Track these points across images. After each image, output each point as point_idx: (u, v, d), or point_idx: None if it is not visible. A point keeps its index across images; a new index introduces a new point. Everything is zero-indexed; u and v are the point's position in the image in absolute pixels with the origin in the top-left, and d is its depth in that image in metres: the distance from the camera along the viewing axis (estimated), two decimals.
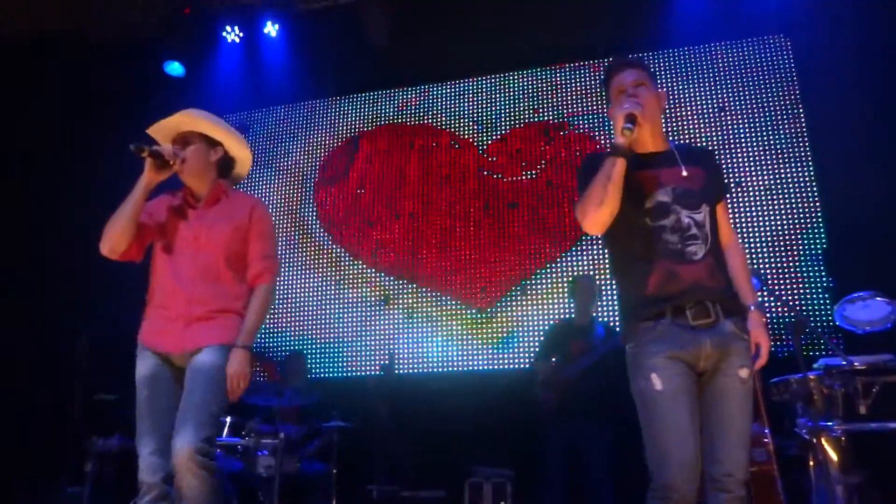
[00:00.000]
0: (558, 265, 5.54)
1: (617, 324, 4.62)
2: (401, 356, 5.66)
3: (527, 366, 5.14)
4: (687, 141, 5.40)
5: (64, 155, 6.23)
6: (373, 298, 5.91)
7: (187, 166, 2.62)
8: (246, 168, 2.85)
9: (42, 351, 5.36)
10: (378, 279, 5.95)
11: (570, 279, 5.03)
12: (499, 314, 5.59)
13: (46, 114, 6.17)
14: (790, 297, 4.91)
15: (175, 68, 6.24)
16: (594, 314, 4.60)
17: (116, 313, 4.65)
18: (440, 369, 5.58)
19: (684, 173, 2.17)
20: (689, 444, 1.96)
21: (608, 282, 5.01)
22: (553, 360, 4.40)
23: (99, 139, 6.27)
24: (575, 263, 5.49)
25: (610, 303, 5.05)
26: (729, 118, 5.46)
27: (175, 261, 2.58)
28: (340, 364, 5.79)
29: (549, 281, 5.54)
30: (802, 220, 5.06)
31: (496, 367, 5.47)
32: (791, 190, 5.15)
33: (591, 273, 5.35)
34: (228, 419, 4.23)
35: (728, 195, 2.38)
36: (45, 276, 5.86)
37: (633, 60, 2.31)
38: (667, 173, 2.18)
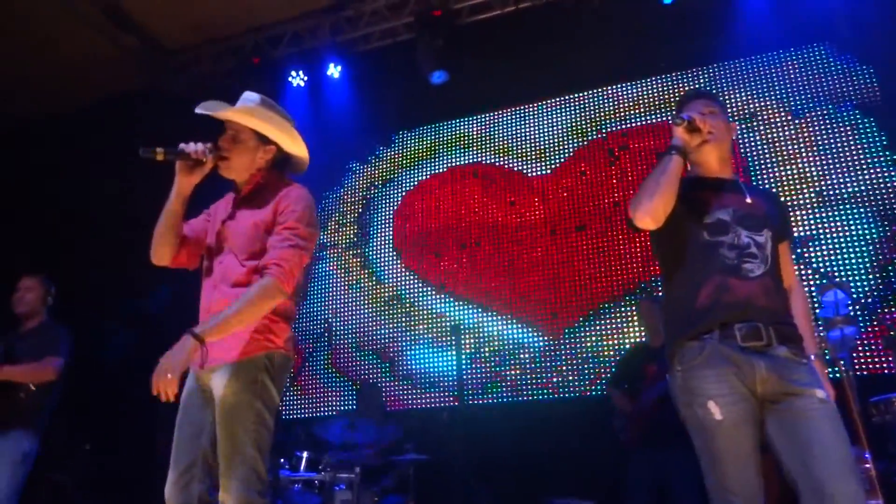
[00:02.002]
0: (633, 287, 5.39)
1: None
2: (473, 386, 5.61)
3: (602, 392, 5.00)
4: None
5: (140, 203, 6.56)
6: (444, 329, 5.90)
7: (230, 164, 2.32)
8: (303, 165, 2.48)
9: None
10: (449, 309, 5.95)
11: (636, 302, 4.88)
12: (572, 340, 5.46)
13: (125, 171, 6.54)
14: (888, 311, 4.60)
15: None
16: None
17: None
18: (514, 398, 5.49)
19: (748, 200, 2.15)
20: (752, 478, 1.90)
21: None
22: (626, 385, 4.24)
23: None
24: (651, 285, 5.32)
25: None
26: (807, 124, 5.23)
27: (207, 263, 2.34)
28: (413, 395, 5.78)
29: (624, 304, 5.39)
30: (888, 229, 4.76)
31: (571, 394, 5.33)
32: (884, 195, 4.85)
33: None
34: (305, 454, 4.28)
35: (791, 242, 2.30)
36: None
37: (705, 92, 2.39)
38: (729, 197, 2.16)
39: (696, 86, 5.71)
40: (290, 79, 6.47)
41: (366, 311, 6.24)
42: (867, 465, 3.08)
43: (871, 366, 4.38)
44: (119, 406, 5.51)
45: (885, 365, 4.18)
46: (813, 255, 4.87)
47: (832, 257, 4.82)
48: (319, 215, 6.67)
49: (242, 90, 6.65)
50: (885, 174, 4.85)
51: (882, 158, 4.90)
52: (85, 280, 6.03)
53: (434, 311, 5.99)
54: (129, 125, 6.47)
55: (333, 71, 6.33)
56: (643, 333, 4.56)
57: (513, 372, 5.57)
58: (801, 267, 4.68)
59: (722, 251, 2.05)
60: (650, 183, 2.07)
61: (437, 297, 6.02)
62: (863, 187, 4.90)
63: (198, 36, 6.55)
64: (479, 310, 5.83)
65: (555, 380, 5.42)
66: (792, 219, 4.78)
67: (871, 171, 4.90)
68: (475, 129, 6.46)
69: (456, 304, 5.93)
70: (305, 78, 6.49)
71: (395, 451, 4.56)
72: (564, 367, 5.42)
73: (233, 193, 2.42)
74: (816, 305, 3.92)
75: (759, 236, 2.08)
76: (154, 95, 6.63)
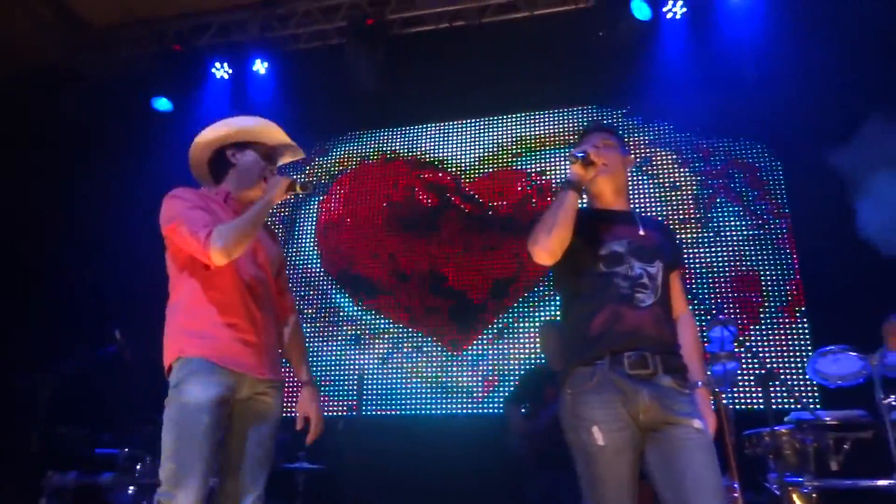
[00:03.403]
0: (539, 310, 5.51)
1: None
2: (373, 396, 5.57)
3: (501, 410, 5.06)
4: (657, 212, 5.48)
5: (52, 186, 6.25)
6: (347, 336, 5.84)
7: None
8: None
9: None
10: (355, 316, 5.90)
11: (539, 325, 4.99)
12: (475, 357, 5.52)
13: (39, 144, 6.21)
14: (769, 350, 4.89)
15: (163, 104, 6.26)
16: None
17: (84, 347, 4.61)
18: (414, 411, 5.49)
19: (641, 232, 2.23)
20: (627, 503, 1.97)
21: None
22: (522, 408, 4.32)
23: (86, 170, 6.32)
24: (555, 309, 5.46)
25: None
26: (706, 175, 5.52)
27: (240, 273, 2.26)
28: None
29: (527, 325, 5.50)
30: (779, 273, 5.07)
31: (472, 411, 5.38)
32: (768, 242, 5.17)
33: None
34: None
35: (683, 272, 2.41)
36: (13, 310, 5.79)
37: (605, 126, 2.47)
38: (624, 228, 2.24)
39: (617, 119, 5.93)
40: (213, 70, 6.29)
41: None
42: (735, 495, 3.25)
43: (748, 401, 4.65)
44: None
45: (760, 401, 4.44)
46: (703, 292, 5.14)
47: (721, 296, 5.08)
48: None
49: (161, 76, 6.44)
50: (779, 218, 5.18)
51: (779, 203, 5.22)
52: None
53: (341, 318, 5.93)
54: (38, 104, 6.16)
55: (260, 67, 6.21)
56: (544, 356, 4.66)
57: (414, 385, 5.57)
58: (693, 303, 4.92)
59: (616, 281, 2.13)
60: (547, 219, 2.13)
61: (346, 304, 5.96)
62: (756, 231, 5.20)
63: (120, 15, 6.30)
64: (387, 320, 5.81)
65: (455, 395, 5.46)
66: (686, 255, 5.09)
67: (766, 214, 5.22)
68: (402, 140, 6.47)
69: (363, 313, 5.89)
70: (230, 71, 6.33)
71: (286, 459, 4.46)
72: (466, 383, 5.47)
73: (220, 201, 2.35)
74: (704, 340, 4.12)
75: (651, 267, 2.16)
76: (67, 73, 6.33)
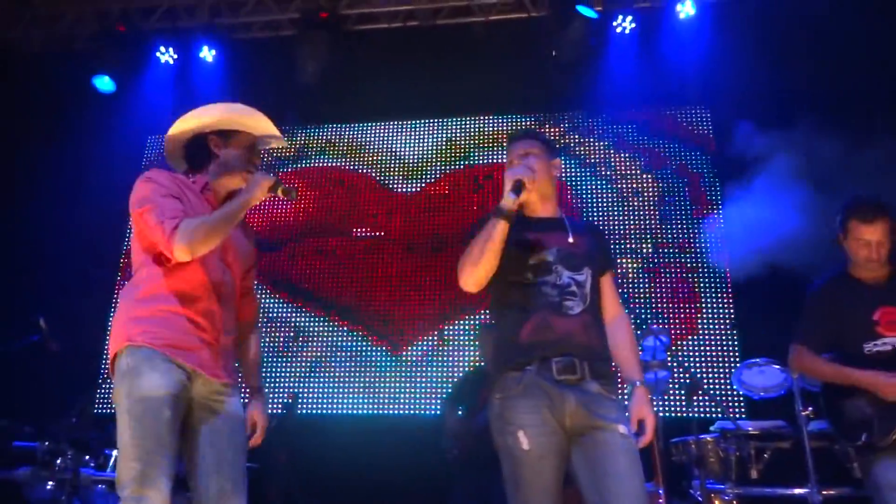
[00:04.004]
0: (482, 313, 5.53)
1: None
2: (308, 396, 5.50)
3: (437, 412, 5.07)
4: (588, 213, 5.60)
5: None
6: (284, 334, 5.75)
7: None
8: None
9: None
10: (292, 314, 5.81)
11: (478, 327, 5.02)
12: (414, 358, 5.51)
13: None
14: (700, 361, 5.04)
15: (105, 83, 6.04)
16: None
17: (5, 335, 4.40)
18: (349, 412, 5.44)
19: (570, 239, 2.25)
20: None
21: None
22: (459, 410, 4.34)
23: (21, 147, 6.07)
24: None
25: None
26: (645, 182, 5.65)
27: (206, 269, 2.16)
28: (241, 400, 5.56)
29: (468, 328, 5.51)
30: (712, 285, 5.23)
31: (409, 412, 5.36)
32: (701, 253, 5.33)
33: None
34: (115, 452, 3.99)
35: (615, 271, 2.45)
36: None
37: (531, 132, 2.49)
38: (553, 237, 2.25)
39: (563, 127, 6.02)
40: (158, 54, 6.11)
41: None
42: (660, 501, 3.34)
43: (677, 409, 4.78)
44: None
45: (687, 410, 4.57)
46: (637, 301, 5.27)
47: (656, 307, 5.22)
48: None
49: (103, 57, 6.21)
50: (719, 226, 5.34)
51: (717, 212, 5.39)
52: None
53: (277, 315, 5.83)
54: None
55: (207, 54, 6.06)
56: (482, 358, 4.69)
57: (350, 384, 5.52)
58: (629, 312, 5.01)
59: (545, 290, 2.16)
60: (475, 250, 2.13)
61: (283, 301, 5.87)
62: (693, 242, 5.36)
63: None
64: (325, 319, 5.75)
65: (391, 395, 5.43)
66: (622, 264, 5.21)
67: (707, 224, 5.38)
68: (348, 137, 6.40)
69: (301, 310, 5.81)
70: (176, 56, 6.17)
71: None
72: (403, 384, 5.45)
73: (194, 188, 2.24)
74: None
75: (579, 275, 2.19)
76: (4, 46, 6.07)
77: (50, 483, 3.84)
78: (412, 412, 5.36)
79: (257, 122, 2.35)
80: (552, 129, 5.99)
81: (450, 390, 4.66)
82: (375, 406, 5.44)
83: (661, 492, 3.33)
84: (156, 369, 1.99)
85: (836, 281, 2.88)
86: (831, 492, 3.32)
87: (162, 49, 6.10)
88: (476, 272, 2.13)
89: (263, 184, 2.10)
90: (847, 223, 2.78)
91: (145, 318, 2.08)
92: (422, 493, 4.63)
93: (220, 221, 2.07)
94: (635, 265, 5.39)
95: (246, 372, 2.43)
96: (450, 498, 4.17)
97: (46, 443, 3.94)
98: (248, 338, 2.43)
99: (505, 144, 5.92)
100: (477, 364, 5.16)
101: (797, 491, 3.36)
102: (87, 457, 4.00)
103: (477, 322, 5.47)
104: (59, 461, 3.89)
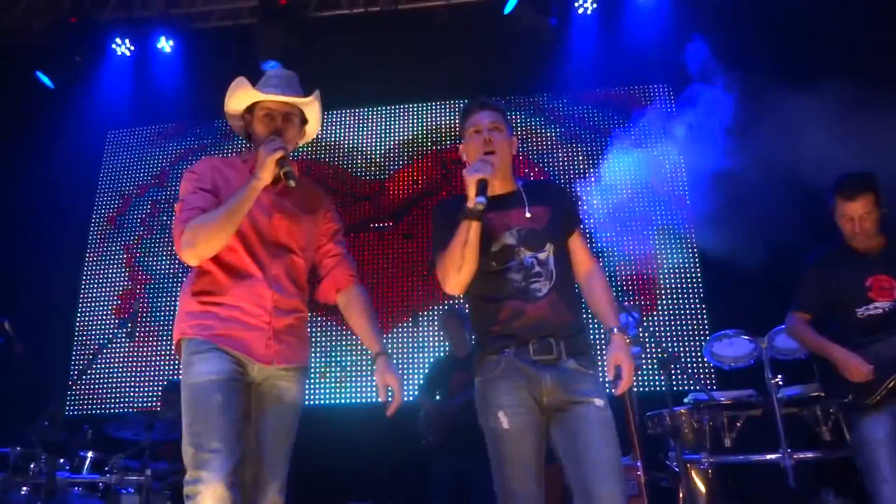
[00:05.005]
0: (456, 299, 5.54)
1: None
2: None
3: (410, 398, 5.07)
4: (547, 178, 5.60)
5: None
6: None
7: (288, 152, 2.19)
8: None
9: None
10: None
11: (440, 314, 5.00)
12: (389, 345, 5.49)
13: None
14: (670, 336, 5.14)
15: (46, 78, 5.87)
16: (471, 343, 4.63)
17: None
18: (323, 401, 5.43)
19: (528, 214, 2.23)
20: (531, 483, 2.07)
21: None
22: (436, 395, 4.37)
23: None
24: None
25: None
26: (612, 160, 5.70)
27: (252, 255, 2.15)
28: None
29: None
30: (681, 261, 5.32)
31: (376, 399, 5.34)
32: (670, 231, 5.41)
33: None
34: (90, 454, 3.94)
35: (582, 226, 2.43)
36: None
37: (490, 102, 2.37)
38: (512, 215, 2.24)
39: (528, 110, 6.03)
40: (113, 46, 5.96)
41: (174, 300, 5.84)
42: (639, 473, 3.41)
43: (651, 384, 4.88)
44: None
45: (662, 383, 4.66)
46: (613, 282, 5.33)
47: (625, 283, 5.30)
48: (139, 200, 6.21)
49: (55, 49, 6.03)
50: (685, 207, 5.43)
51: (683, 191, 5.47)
52: None
53: None
54: None
55: (164, 45, 5.93)
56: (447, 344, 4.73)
57: (323, 373, 5.50)
58: None
59: (510, 276, 2.18)
60: (455, 256, 2.12)
61: None
62: (666, 220, 5.43)
63: None
64: None
65: (365, 383, 5.42)
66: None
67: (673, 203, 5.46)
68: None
69: None
70: (132, 48, 6.02)
71: None
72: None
73: (237, 166, 2.25)
74: None
75: (541, 253, 2.20)
76: None
77: (25, 488, 3.77)
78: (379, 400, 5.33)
79: (263, 87, 2.26)
80: (516, 113, 5.99)
81: (423, 380, 4.67)
82: (351, 394, 5.43)
83: (639, 464, 3.40)
84: (206, 359, 2.03)
85: (832, 252, 3.08)
86: (801, 455, 3.42)
87: (118, 41, 5.95)
88: (460, 277, 2.15)
89: (268, 162, 2.05)
90: (834, 200, 2.98)
91: (196, 311, 2.12)
92: (398, 478, 4.66)
93: (223, 217, 2.05)
94: (603, 238, 5.42)
95: (363, 338, 2.38)
96: (431, 481, 4.21)
97: (18, 448, 3.86)
98: (350, 304, 2.36)
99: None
100: (448, 350, 5.15)
101: (769, 456, 3.46)
102: (62, 459, 3.93)
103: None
104: (32, 465, 3.82)
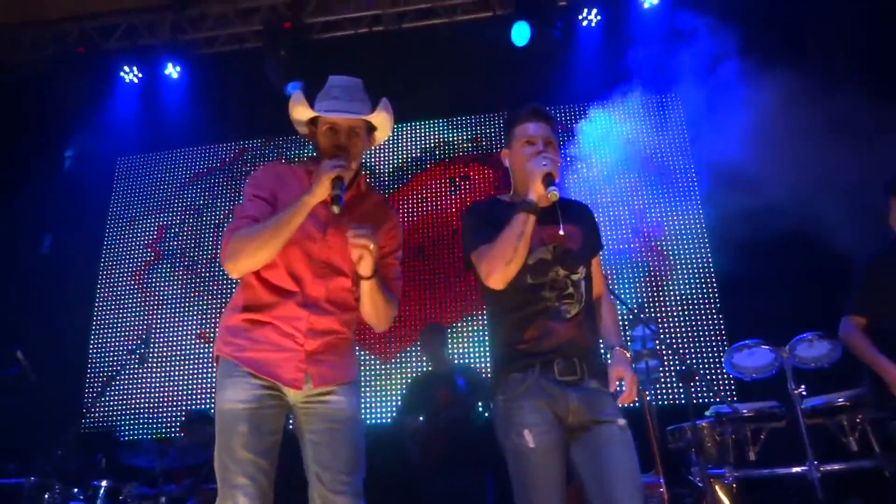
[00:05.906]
0: (465, 316, 5.49)
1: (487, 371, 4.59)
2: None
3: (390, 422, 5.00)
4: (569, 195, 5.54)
5: None
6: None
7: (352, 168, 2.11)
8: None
9: None
10: None
11: (422, 329, 4.87)
12: (395, 367, 5.44)
13: None
14: (688, 348, 5.05)
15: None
16: (451, 360, 4.65)
17: None
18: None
19: (561, 232, 2.20)
20: (556, 501, 2.02)
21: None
22: (420, 416, 4.28)
23: None
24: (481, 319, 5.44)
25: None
26: (625, 172, 5.65)
27: (293, 276, 2.09)
28: None
29: (466, 333, 5.45)
30: (696, 272, 5.25)
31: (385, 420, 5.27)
32: (685, 243, 5.35)
33: None
34: (104, 483, 3.89)
35: (602, 250, 2.41)
36: None
37: (543, 112, 2.28)
38: (546, 230, 2.20)
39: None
40: (121, 74, 6.01)
41: (190, 322, 5.83)
42: (661, 489, 3.33)
43: (670, 397, 4.79)
44: None
45: (681, 396, 4.57)
46: (625, 292, 5.27)
47: (648, 300, 5.23)
48: (148, 225, 6.22)
49: (64, 80, 6.08)
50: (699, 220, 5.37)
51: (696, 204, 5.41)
52: None
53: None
54: None
55: (172, 71, 5.97)
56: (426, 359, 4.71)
57: None
58: (617, 304, 5.01)
59: (543, 293, 2.15)
60: (506, 247, 2.07)
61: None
62: (680, 232, 5.37)
63: (18, 14, 5.93)
64: None
65: (381, 404, 5.36)
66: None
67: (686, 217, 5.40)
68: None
69: None
70: (140, 75, 6.07)
71: (212, 479, 4.25)
72: (391, 393, 5.38)
73: (303, 176, 2.16)
74: (628, 339, 4.21)
75: (574, 275, 2.19)
76: None
77: None
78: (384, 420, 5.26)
79: (324, 100, 2.18)
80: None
81: (403, 396, 4.61)
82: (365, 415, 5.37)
83: (661, 480, 3.32)
84: (235, 384, 2.00)
85: (889, 251, 2.99)
86: (829, 467, 3.33)
87: (125, 68, 6.00)
88: (508, 269, 2.08)
89: (323, 179, 1.97)
90: (888, 199, 2.94)
91: (233, 327, 2.08)
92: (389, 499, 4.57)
93: (269, 232, 1.98)
94: (619, 250, 5.37)
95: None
96: (427, 501, 4.13)
97: (32, 478, 3.83)
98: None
99: (477, 144, 6.04)
100: (426, 368, 4.97)
101: (796, 469, 3.38)
102: (76, 489, 3.90)
103: (475, 325, 5.41)
104: (46, 496, 3.78)
